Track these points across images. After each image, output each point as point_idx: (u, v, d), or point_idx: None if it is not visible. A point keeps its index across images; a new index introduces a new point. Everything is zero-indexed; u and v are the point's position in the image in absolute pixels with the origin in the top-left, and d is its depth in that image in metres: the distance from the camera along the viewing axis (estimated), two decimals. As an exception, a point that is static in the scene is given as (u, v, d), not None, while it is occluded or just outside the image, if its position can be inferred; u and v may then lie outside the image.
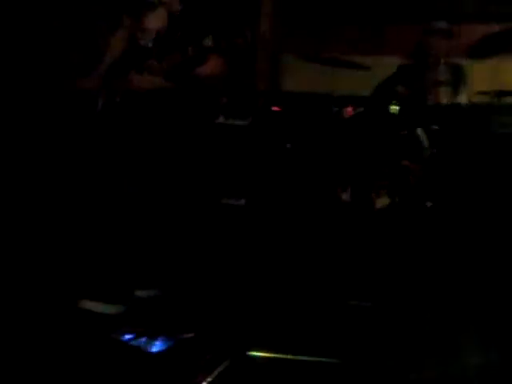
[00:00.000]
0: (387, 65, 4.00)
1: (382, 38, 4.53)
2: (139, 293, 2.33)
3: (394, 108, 3.52)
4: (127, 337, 1.95)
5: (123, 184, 2.28)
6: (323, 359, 1.84)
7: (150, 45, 2.40)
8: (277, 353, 1.87)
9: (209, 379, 1.65)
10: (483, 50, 3.65)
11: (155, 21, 2.39)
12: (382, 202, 3.34)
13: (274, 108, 3.89)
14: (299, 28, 4.67)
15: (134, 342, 1.92)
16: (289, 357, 1.85)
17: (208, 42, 2.38)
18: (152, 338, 1.93)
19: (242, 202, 3.53)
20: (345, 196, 3.52)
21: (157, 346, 1.90)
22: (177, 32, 2.41)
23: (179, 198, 2.45)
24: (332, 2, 4.60)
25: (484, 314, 2.28)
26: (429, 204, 3.25)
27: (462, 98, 3.73)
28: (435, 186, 3.32)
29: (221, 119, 3.53)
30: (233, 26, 2.62)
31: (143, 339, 1.93)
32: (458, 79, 3.78)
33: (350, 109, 3.58)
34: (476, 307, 2.36)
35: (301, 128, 3.77)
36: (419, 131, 3.45)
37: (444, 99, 3.66)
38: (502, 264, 2.75)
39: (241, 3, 3.06)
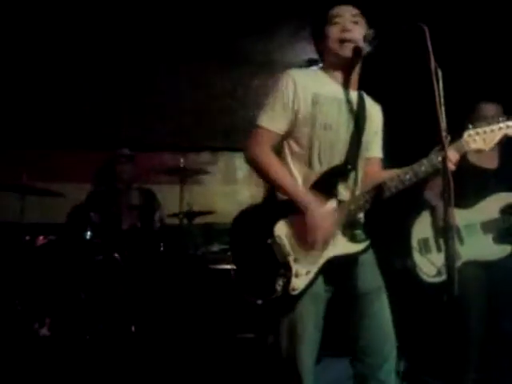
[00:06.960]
0: (81, 191, 3.99)
1: (74, 165, 4.52)
2: None
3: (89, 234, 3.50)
4: None
5: None
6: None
7: None
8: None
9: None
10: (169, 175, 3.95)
11: None
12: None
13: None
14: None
15: None
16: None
17: None
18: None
19: None
20: (43, 331, 3.28)
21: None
22: None
23: None
24: (16, 126, 4.46)
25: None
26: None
27: (155, 221, 3.89)
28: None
29: None
30: None
31: None
32: (149, 203, 3.95)
33: (41, 237, 3.42)
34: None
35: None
36: (116, 255, 3.46)
37: (138, 222, 3.77)
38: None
39: None
